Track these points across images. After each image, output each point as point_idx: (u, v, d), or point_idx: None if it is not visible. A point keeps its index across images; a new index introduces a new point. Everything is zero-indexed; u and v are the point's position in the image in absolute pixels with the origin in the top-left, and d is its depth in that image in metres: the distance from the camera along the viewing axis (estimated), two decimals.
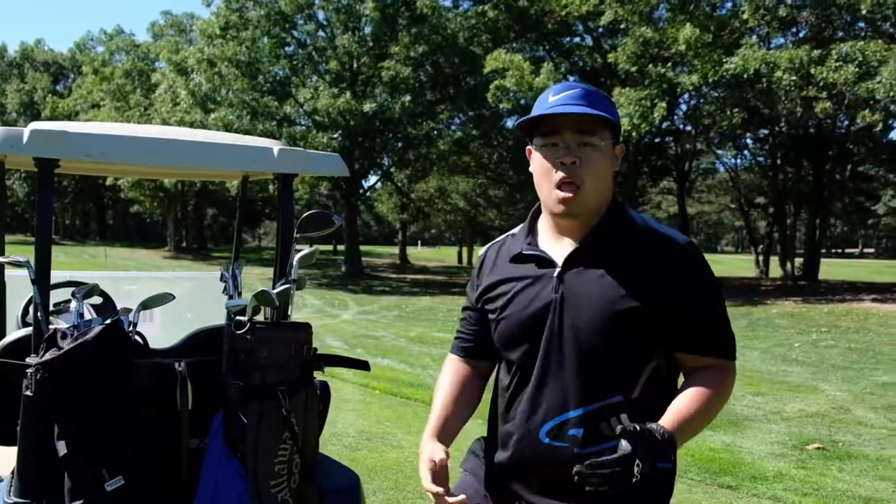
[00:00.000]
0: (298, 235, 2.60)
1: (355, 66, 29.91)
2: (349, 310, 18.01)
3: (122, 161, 2.65)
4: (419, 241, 77.87)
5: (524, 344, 1.79)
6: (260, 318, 2.47)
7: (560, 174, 1.72)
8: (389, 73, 27.37)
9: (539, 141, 1.77)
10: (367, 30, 29.68)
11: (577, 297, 1.73)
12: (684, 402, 1.72)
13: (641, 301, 1.70)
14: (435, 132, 30.21)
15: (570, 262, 1.77)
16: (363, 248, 42.31)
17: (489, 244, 2.01)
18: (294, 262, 2.51)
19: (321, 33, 30.62)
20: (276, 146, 2.78)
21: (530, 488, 1.80)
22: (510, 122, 30.30)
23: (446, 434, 1.86)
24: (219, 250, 54.52)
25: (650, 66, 21.66)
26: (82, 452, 2.21)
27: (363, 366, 2.76)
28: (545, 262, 1.80)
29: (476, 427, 2.08)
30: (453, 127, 32.20)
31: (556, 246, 1.81)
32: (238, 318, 2.44)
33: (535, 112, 1.76)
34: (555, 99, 1.73)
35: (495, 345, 1.88)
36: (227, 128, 25.27)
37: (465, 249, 51.56)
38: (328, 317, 17.16)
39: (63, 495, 2.19)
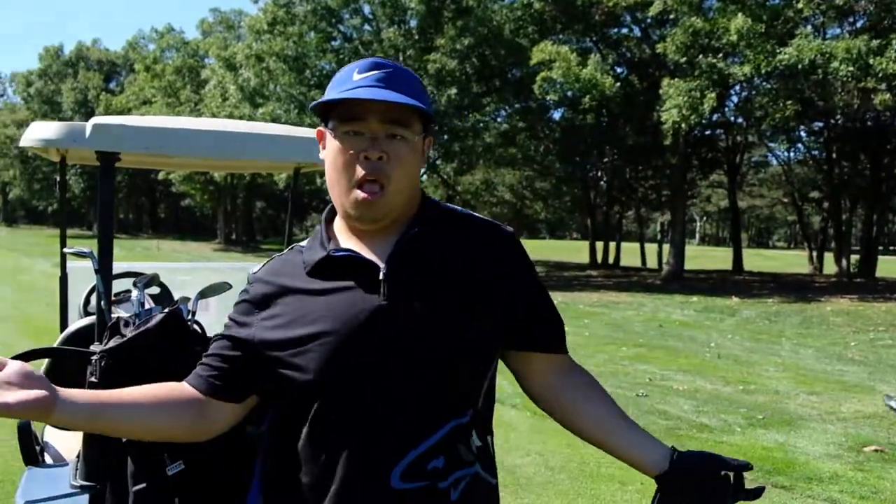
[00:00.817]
0: None
1: (401, 59, 29.98)
2: None
3: (181, 154, 2.70)
4: None
5: (346, 370, 1.39)
6: None
7: (362, 171, 1.39)
8: (435, 65, 27.38)
9: (337, 126, 1.42)
10: (413, 23, 29.72)
11: (412, 303, 1.40)
12: (618, 412, 1.55)
13: (486, 299, 1.45)
14: (481, 124, 30.15)
15: (395, 262, 1.42)
16: None
17: (264, 262, 1.60)
18: None
19: (367, 27, 30.78)
20: None
21: None
22: (557, 115, 30.13)
23: (77, 396, 1.32)
24: (267, 242, 55.31)
25: (700, 56, 21.29)
26: None
27: None
28: (363, 265, 1.42)
29: None
30: (499, 119, 32.13)
31: (368, 248, 1.46)
32: None
33: (333, 90, 1.43)
34: (360, 77, 1.41)
35: (289, 382, 1.42)
36: (275, 122, 25.58)
37: None
38: None
39: (126, 479, 2.25)
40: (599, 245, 37.73)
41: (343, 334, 1.38)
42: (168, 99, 44.35)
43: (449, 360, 1.40)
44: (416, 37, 29.10)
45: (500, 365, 1.54)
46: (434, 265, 1.45)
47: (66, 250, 2.97)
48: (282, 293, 1.47)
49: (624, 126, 27.63)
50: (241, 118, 27.41)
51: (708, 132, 30.17)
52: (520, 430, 6.46)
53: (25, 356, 2.94)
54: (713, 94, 20.69)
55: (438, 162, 34.80)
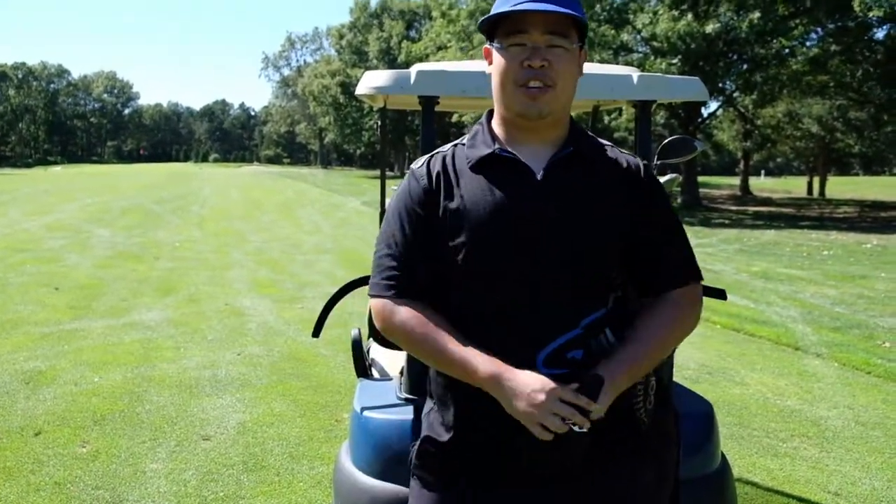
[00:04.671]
0: (659, 162, 2.59)
1: None
2: None
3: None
4: (762, 171, 72.43)
5: (505, 261, 1.54)
6: None
7: (526, 76, 1.53)
8: None
9: (503, 41, 1.55)
10: None
11: (566, 207, 1.55)
12: (637, 342, 1.57)
13: (627, 214, 1.59)
14: (786, 50, 27.42)
15: (552, 171, 1.58)
16: (700, 178, 40.48)
17: (426, 157, 1.70)
18: None
19: None
20: (634, 73, 2.76)
21: (525, 449, 1.52)
22: (881, 33, 26.45)
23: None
24: None
25: None
26: None
27: (720, 294, 2.70)
28: (522, 168, 1.58)
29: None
30: (808, 43, 28.95)
31: (526, 154, 1.59)
32: None
33: (497, 8, 1.54)
34: None
35: (454, 263, 1.57)
36: None
37: (815, 180, 46.76)
38: None
39: None
40: None
41: (503, 229, 1.54)
42: (461, 43, 46.01)
43: (585, 266, 1.54)
44: None
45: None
46: (583, 182, 1.58)
47: (394, 188, 3.27)
48: (452, 181, 1.61)
49: None
50: None
51: None
52: (825, 381, 6.01)
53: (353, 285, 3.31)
54: None
55: (736, 94, 32.46)
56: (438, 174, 1.63)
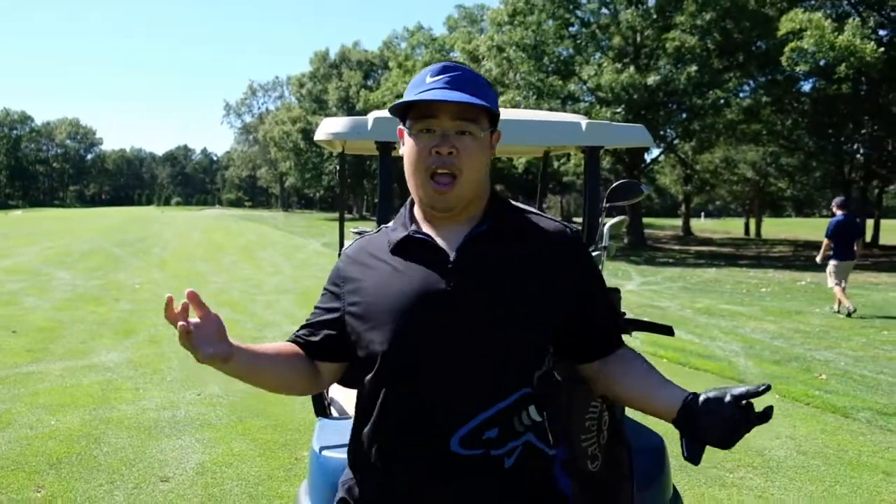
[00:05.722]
0: (607, 205, 2.75)
1: (639, 39, 29.21)
2: (633, 280, 17.79)
3: None
4: (703, 213, 74.43)
5: (412, 345, 1.53)
6: None
7: (435, 164, 1.54)
8: (674, 43, 26.34)
9: (413, 125, 1.57)
10: (651, 2, 28.77)
11: (474, 292, 1.53)
12: (658, 377, 1.61)
13: (555, 282, 1.58)
14: (722, 101, 28.59)
15: (463, 253, 1.57)
16: (645, 220, 41.45)
17: (357, 239, 1.76)
18: (605, 231, 2.67)
19: (604, 10, 30.19)
20: (583, 120, 2.91)
21: None
22: (807, 86, 27.77)
23: (242, 351, 1.55)
24: None
25: None
26: None
27: (668, 331, 2.77)
28: (435, 249, 1.59)
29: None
30: (742, 94, 30.24)
31: (442, 234, 1.61)
32: None
33: (410, 93, 1.56)
34: (433, 80, 1.54)
35: (366, 351, 1.59)
36: (515, 108, 26.06)
37: (752, 221, 48.36)
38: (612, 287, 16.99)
39: None
40: None
41: (411, 313, 1.54)
42: None
43: (503, 346, 1.52)
44: (655, 16, 28.10)
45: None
46: (498, 260, 1.57)
47: (353, 230, 3.40)
48: (366, 270, 1.65)
49: (887, 94, 24.77)
50: None
51: None
52: None
53: None
54: None
55: (676, 141, 33.54)
56: (358, 259, 1.69)
